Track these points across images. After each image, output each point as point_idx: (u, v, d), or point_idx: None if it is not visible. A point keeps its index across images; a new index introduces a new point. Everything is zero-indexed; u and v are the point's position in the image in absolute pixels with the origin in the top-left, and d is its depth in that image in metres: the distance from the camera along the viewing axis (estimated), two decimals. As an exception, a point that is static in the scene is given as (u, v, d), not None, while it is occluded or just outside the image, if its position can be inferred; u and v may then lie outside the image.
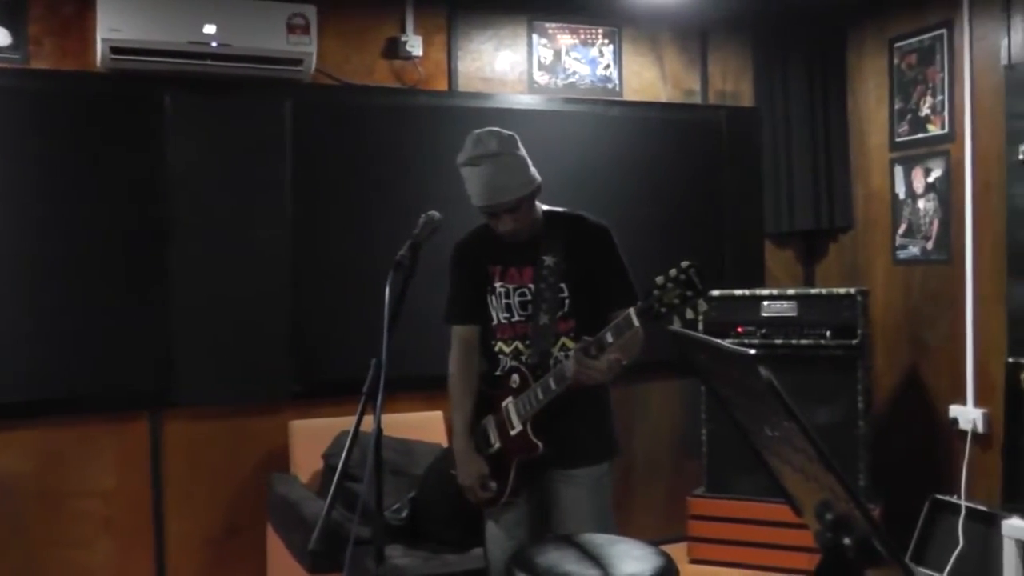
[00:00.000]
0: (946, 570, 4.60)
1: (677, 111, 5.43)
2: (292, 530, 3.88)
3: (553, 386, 2.81)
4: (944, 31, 4.95)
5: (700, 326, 4.89)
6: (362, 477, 2.71)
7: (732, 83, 5.66)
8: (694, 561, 4.99)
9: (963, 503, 4.67)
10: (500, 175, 2.87)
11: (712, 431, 5.03)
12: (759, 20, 5.57)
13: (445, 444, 4.27)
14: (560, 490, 2.98)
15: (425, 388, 4.44)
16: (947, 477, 4.85)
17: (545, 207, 3.07)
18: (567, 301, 2.96)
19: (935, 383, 5.05)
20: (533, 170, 2.96)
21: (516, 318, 3.02)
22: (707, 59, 5.59)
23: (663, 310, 2.53)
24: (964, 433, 4.76)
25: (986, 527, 4.44)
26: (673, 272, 2.54)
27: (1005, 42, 4.60)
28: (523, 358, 2.99)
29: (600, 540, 2.70)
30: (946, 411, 4.90)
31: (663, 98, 5.43)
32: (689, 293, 2.51)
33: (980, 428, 4.70)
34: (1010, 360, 3.77)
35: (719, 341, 1.64)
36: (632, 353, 2.87)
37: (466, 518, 3.19)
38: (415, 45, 4.80)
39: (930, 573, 4.61)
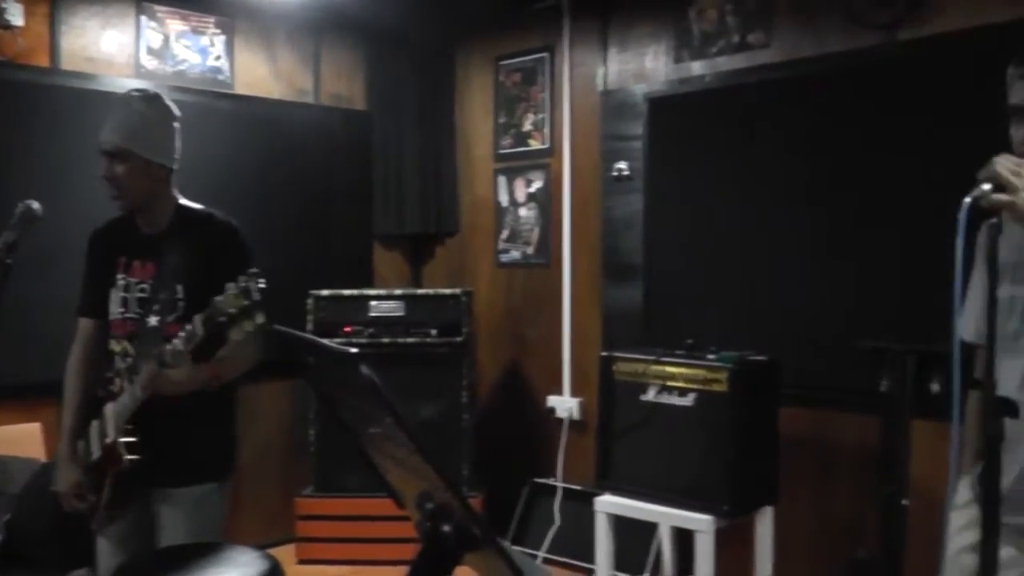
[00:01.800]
0: (544, 547, 4.95)
1: (290, 109, 5.40)
2: None
3: (138, 393, 2.61)
4: (546, 55, 5.32)
5: (309, 325, 4.92)
6: (-47, 502, 2.45)
7: (345, 86, 5.72)
8: (302, 561, 4.98)
9: (560, 484, 5.08)
10: (128, 119, 2.75)
11: (320, 431, 5.03)
12: (371, 27, 5.66)
13: (44, 459, 3.95)
14: (159, 509, 2.81)
15: (22, 397, 4.07)
16: (546, 462, 5.24)
17: (183, 201, 2.90)
18: (181, 303, 2.76)
19: (535, 376, 5.42)
20: (163, 149, 2.81)
21: (129, 315, 2.81)
22: (320, 60, 5.60)
23: (222, 319, 2.39)
24: (561, 421, 5.18)
25: (581, 505, 4.83)
26: (240, 280, 2.40)
27: (602, 70, 5.04)
28: (129, 360, 2.78)
29: (206, 550, 2.62)
30: (544, 401, 5.29)
31: (275, 95, 5.37)
32: (246, 302, 2.37)
33: (576, 415, 5.12)
34: (604, 354, 4.14)
35: (323, 341, 1.65)
36: (244, 363, 2.79)
37: (70, 536, 2.95)
38: (15, 13, 4.31)
39: (529, 552, 4.94)
